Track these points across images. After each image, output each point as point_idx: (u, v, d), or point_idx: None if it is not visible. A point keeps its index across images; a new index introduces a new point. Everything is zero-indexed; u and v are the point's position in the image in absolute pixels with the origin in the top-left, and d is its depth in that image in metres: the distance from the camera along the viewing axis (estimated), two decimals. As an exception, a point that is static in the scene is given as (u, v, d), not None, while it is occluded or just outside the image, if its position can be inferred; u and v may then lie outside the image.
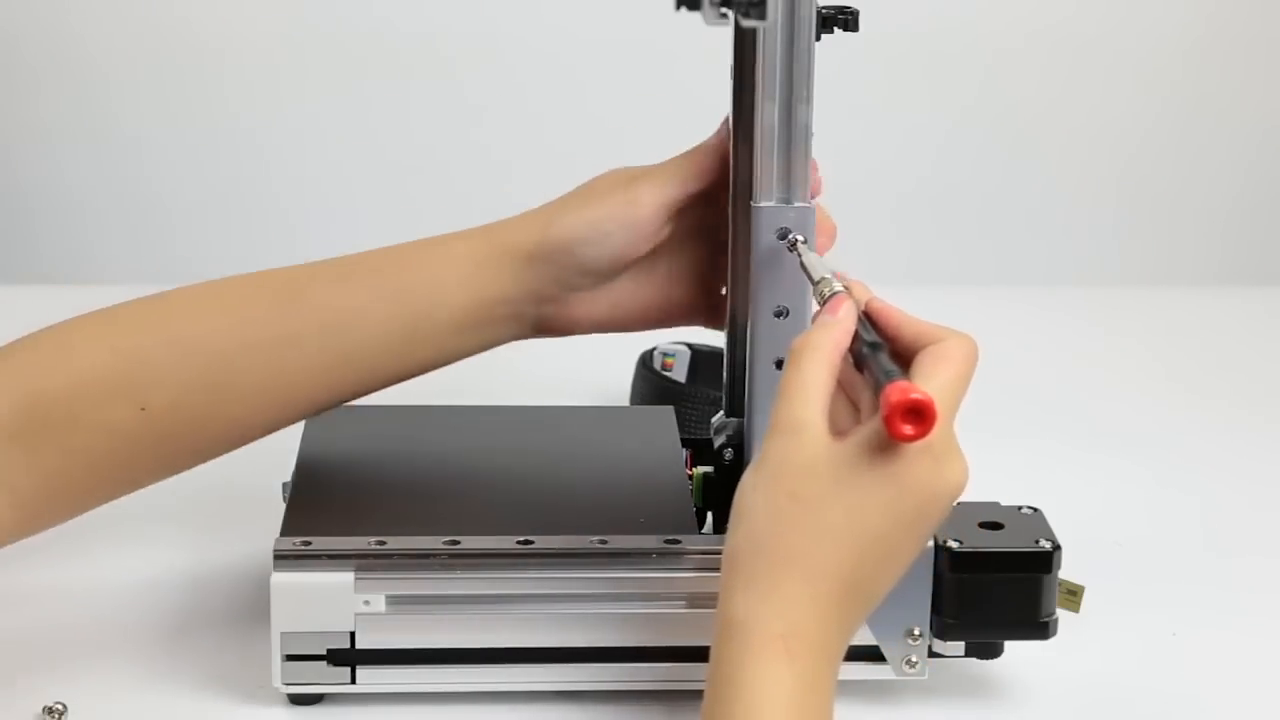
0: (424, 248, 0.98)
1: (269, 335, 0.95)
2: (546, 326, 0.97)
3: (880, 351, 0.82)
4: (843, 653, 0.83)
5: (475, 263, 0.96)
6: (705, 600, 0.92)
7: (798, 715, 0.79)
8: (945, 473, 0.81)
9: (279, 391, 0.96)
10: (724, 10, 0.81)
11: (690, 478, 1.01)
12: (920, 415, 0.78)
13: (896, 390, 0.78)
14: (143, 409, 0.94)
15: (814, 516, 0.80)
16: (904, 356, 0.84)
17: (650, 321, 0.99)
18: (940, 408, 0.79)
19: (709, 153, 0.96)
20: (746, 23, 0.81)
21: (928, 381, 0.81)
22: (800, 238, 0.93)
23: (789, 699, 0.79)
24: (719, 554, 0.90)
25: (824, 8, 0.91)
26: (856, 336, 0.84)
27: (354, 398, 0.98)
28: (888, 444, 0.79)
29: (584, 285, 0.96)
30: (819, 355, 0.83)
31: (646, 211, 0.95)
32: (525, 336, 0.98)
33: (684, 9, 0.81)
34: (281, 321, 0.96)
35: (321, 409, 0.98)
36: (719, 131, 0.96)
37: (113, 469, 0.95)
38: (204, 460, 0.97)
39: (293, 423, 0.98)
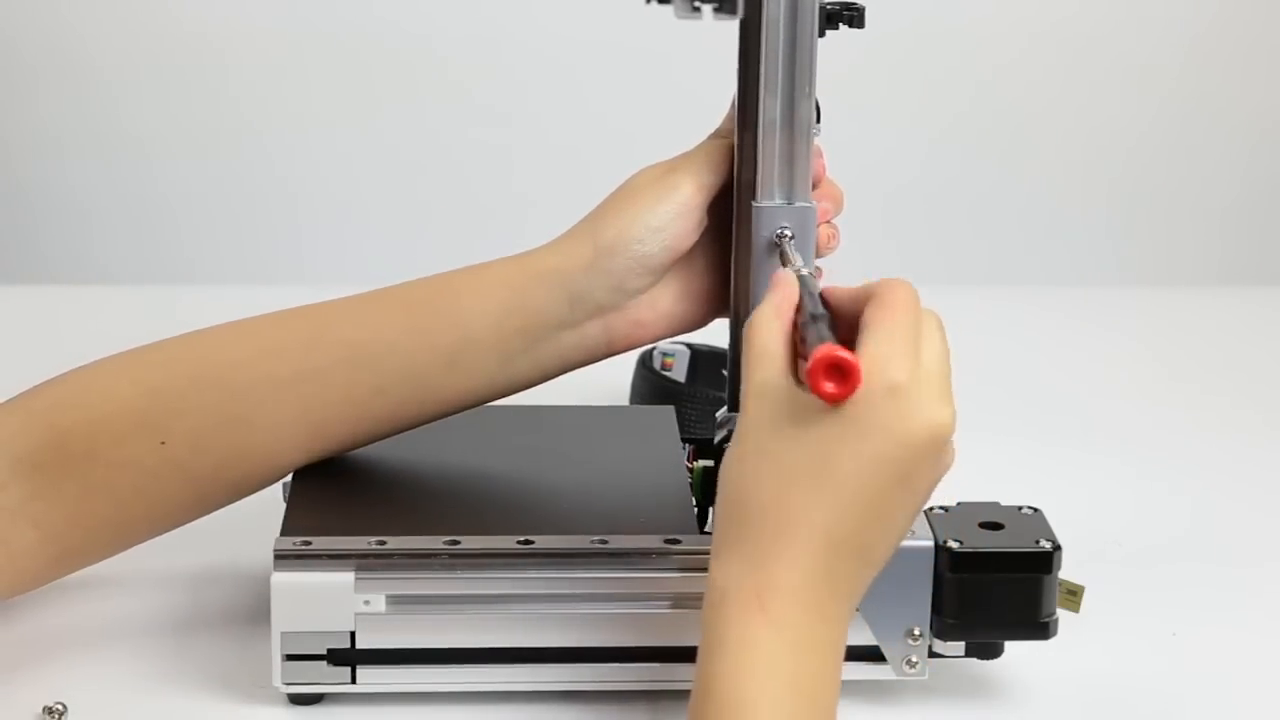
0: (456, 278, 0.96)
1: (292, 370, 0.95)
2: (616, 337, 0.96)
3: (818, 322, 0.83)
4: (844, 613, 0.82)
5: (510, 289, 0.95)
6: (706, 600, 0.92)
7: (782, 674, 0.79)
8: (913, 414, 0.80)
9: (307, 425, 0.95)
10: (696, 5, 0.81)
11: (690, 472, 1.01)
12: (843, 373, 0.78)
13: (820, 350, 0.79)
14: (162, 443, 0.93)
15: (782, 467, 0.80)
16: (853, 321, 0.84)
17: (712, 311, 0.98)
18: (899, 350, 0.80)
19: (728, 137, 0.95)
20: (719, 17, 0.80)
21: (876, 332, 0.81)
22: (788, 233, 0.92)
23: (770, 657, 0.79)
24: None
25: (829, 3, 0.91)
26: (801, 310, 0.84)
27: (404, 428, 0.98)
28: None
29: (643, 286, 0.95)
30: (768, 324, 0.83)
31: (691, 200, 0.94)
32: (599, 353, 0.96)
33: (655, 2, 0.80)
34: (305, 356, 0.95)
35: (365, 441, 0.98)
36: (729, 116, 0.96)
37: (139, 504, 0.95)
38: (238, 496, 0.97)
39: (335, 454, 0.98)
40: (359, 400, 0.95)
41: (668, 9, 0.81)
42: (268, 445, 0.95)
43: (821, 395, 0.79)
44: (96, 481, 0.93)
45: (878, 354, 0.80)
